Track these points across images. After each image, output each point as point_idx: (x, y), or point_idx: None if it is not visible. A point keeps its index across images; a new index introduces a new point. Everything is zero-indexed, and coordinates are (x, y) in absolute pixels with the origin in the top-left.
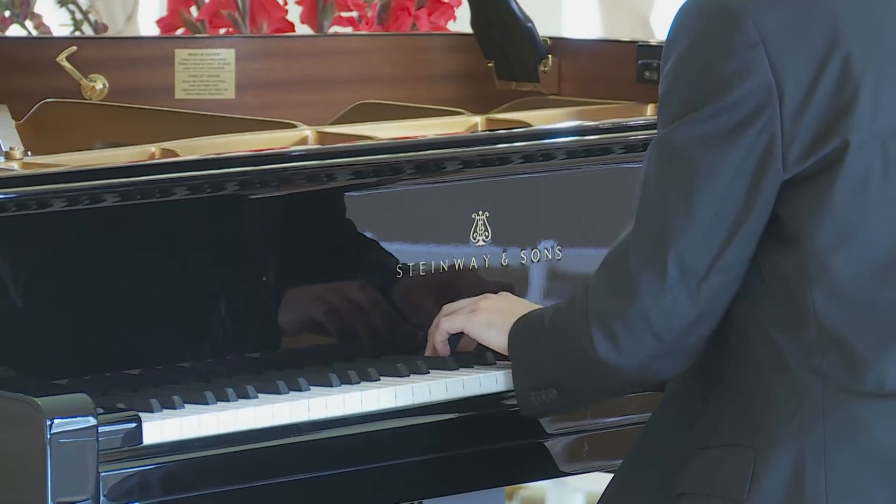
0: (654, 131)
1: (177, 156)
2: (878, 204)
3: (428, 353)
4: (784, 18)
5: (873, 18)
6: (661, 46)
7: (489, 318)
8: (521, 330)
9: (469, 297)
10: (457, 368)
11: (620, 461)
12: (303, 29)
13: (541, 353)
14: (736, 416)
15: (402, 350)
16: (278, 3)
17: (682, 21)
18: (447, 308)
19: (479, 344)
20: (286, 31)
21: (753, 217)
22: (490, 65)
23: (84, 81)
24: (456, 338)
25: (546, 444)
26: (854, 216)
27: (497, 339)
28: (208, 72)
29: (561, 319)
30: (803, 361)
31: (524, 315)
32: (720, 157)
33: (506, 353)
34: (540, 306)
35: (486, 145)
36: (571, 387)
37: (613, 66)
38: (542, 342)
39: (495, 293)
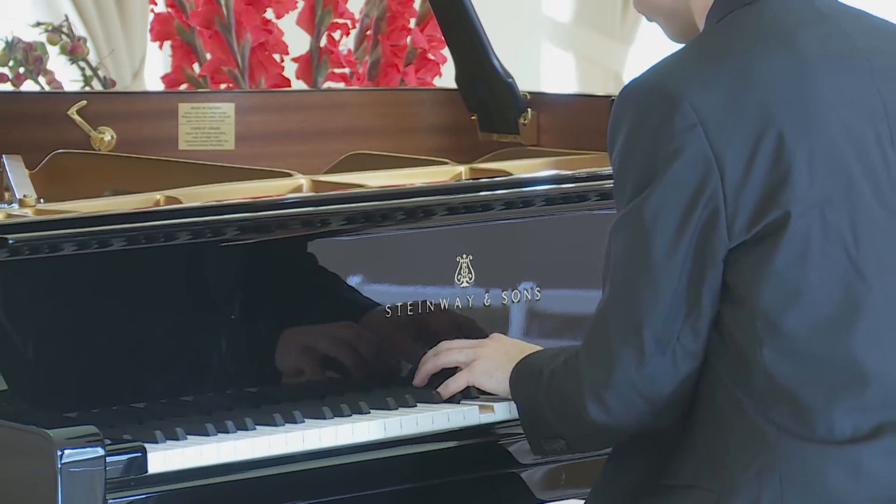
0: None
1: (180, 203)
2: (819, 265)
3: (417, 381)
4: (719, 99)
5: (802, 94)
6: None
7: (488, 368)
8: (521, 380)
9: (453, 336)
10: (442, 402)
11: None
12: (298, 84)
13: (545, 410)
14: (697, 458)
15: (390, 385)
16: (275, 60)
17: (624, 105)
18: (446, 345)
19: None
20: (283, 87)
21: (709, 283)
22: (473, 118)
23: (93, 133)
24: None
25: (526, 472)
26: (797, 278)
27: (499, 387)
28: (210, 124)
29: (558, 383)
30: (759, 411)
31: (520, 363)
32: (674, 237)
33: (510, 398)
34: (531, 346)
35: (469, 193)
36: (578, 441)
37: (589, 119)
38: (543, 399)
39: (486, 336)
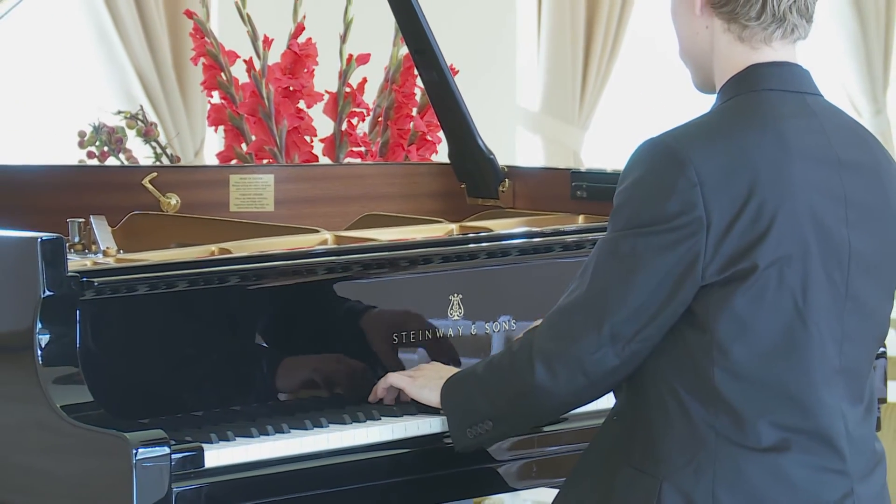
0: (584, 235)
1: (231, 253)
2: (768, 310)
3: (371, 399)
4: (717, 167)
5: (781, 175)
6: (589, 173)
7: (423, 382)
8: (452, 383)
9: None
10: (440, 411)
11: (562, 479)
12: (324, 160)
13: (474, 396)
14: (645, 446)
15: (396, 397)
16: (306, 141)
17: (640, 156)
18: (394, 373)
19: None
20: (312, 162)
21: (672, 308)
22: (462, 186)
23: (162, 198)
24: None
25: (503, 466)
26: (749, 317)
27: (431, 395)
28: (254, 191)
29: (497, 363)
30: (702, 417)
31: (452, 374)
32: (653, 264)
33: (438, 407)
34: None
35: (459, 245)
36: (505, 413)
37: (553, 187)
38: (474, 387)
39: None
